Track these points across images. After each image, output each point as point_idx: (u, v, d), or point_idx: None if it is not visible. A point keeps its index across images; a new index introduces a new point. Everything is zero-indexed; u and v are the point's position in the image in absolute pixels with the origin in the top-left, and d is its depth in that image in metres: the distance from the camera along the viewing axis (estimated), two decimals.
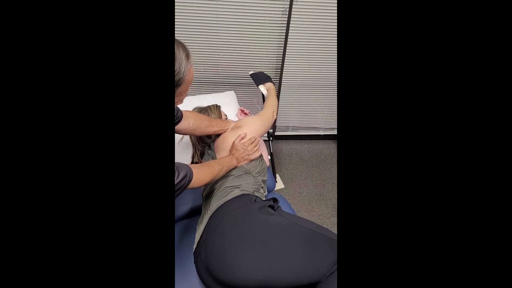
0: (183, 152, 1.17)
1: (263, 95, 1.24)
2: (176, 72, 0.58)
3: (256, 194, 0.89)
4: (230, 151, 0.98)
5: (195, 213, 1.07)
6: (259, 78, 1.26)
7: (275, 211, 0.83)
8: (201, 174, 0.76)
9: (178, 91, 0.63)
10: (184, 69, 0.60)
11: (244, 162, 0.97)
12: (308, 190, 1.73)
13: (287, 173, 1.83)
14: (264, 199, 0.92)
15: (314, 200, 1.68)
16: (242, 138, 0.99)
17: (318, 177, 1.81)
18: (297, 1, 1.41)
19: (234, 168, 0.95)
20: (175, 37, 0.60)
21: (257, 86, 1.24)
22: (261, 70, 1.55)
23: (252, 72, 1.31)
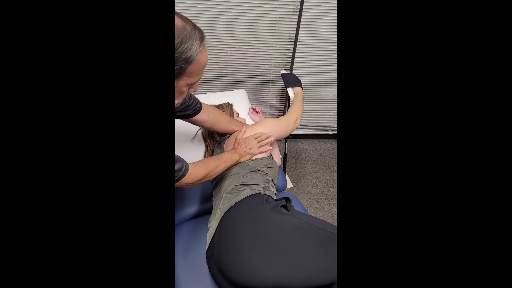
0: (195, 151, 1.15)
1: (289, 98, 1.20)
2: (187, 48, 0.60)
3: (267, 193, 0.88)
4: (233, 146, 0.97)
5: (206, 212, 1.06)
6: (290, 80, 1.22)
7: (288, 211, 0.82)
8: (195, 169, 0.76)
9: (189, 70, 0.63)
10: (197, 49, 0.62)
11: (247, 157, 0.94)
12: (317, 189, 1.72)
13: (295, 173, 1.81)
14: (275, 198, 0.90)
15: (323, 199, 1.66)
16: (244, 133, 0.98)
17: (327, 176, 1.80)
18: None
19: (237, 164, 0.93)
20: (192, 21, 0.62)
21: (286, 88, 1.21)
22: (270, 69, 1.54)
23: (283, 71, 1.27)
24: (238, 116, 1.20)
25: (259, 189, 0.85)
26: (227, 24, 1.46)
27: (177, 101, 0.68)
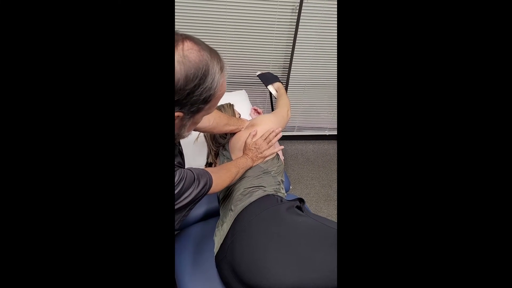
0: (198, 153, 1.13)
1: (270, 94, 1.23)
2: (207, 86, 0.53)
3: (278, 194, 0.87)
4: (243, 151, 0.95)
5: (212, 215, 1.04)
6: (268, 78, 1.25)
7: (302, 211, 0.81)
8: (221, 179, 0.74)
9: (208, 106, 0.57)
10: (218, 82, 0.55)
11: (259, 161, 0.93)
12: (315, 190, 1.72)
13: (293, 174, 1.81)
14: (287, 199, 0.89)
15: (321, 200, 1.66)
16: (254, 136, 0.96)
17: (325, 177, 1.80)
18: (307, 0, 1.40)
19: (250, 168, 0.92)
20: (210, 46, 0.55)
21: (266, 86, 1.22)
22: (268, 70, 1.54)
23: (259, 73, 1.29)
24: (240, 117, 1.19)
25: (270, 191, 0.84)
26: (225, 25, 1.44)
27: (187, 133, 0.61)
